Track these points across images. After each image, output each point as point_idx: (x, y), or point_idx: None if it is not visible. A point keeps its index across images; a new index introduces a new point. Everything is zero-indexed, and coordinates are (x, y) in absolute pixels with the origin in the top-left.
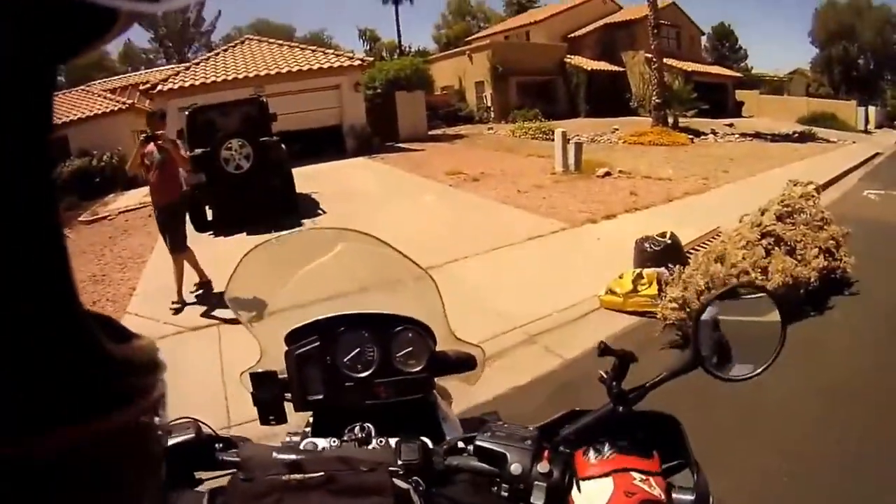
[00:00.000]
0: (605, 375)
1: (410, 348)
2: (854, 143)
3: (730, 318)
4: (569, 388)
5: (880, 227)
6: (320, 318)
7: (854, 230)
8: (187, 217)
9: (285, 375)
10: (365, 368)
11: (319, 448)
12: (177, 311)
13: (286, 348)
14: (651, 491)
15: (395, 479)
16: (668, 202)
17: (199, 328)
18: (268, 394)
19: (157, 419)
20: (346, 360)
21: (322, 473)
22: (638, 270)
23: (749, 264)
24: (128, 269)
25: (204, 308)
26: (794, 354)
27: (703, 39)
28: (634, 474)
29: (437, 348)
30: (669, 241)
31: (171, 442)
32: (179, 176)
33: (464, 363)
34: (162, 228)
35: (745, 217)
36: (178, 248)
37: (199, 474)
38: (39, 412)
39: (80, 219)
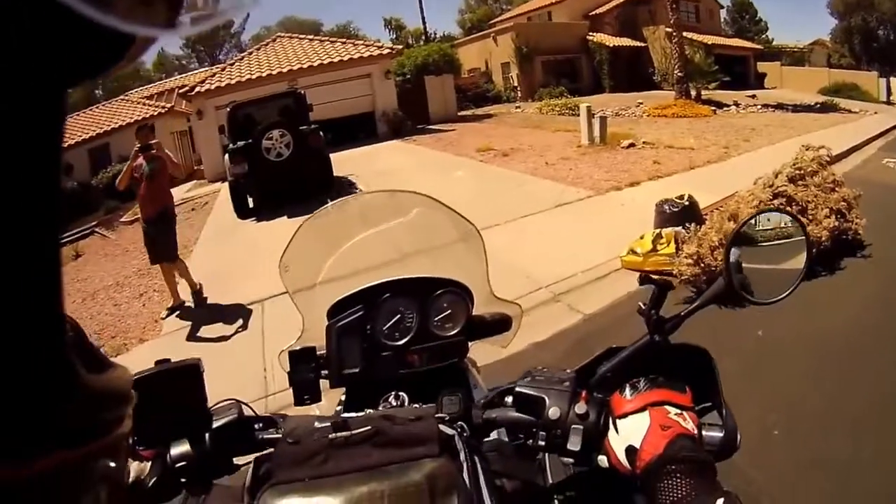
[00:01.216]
0: (643, 306)
1: (449, 311)
2: (876, 113)
3: (757, 248)
4: (586, 340)
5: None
6: (363, 287)
7: (871, 195)
8: (234, 202)
9: (324, 352)
10: (402, 336)
11: (360, 414)
12: (169, 314)
13: (327, 322)
14: (685, 425)
15: (440, 426)
16: (689, 170)
17: (242, 305)
18: (304, 372)
19: (121, 453)
20: (384, 328)
21: (368, 428)
22: (658, 231)
23: None
24: None
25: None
26: (803, 311)
27: (723, 13)
28: (669, 408)
29: (476, 309)
30: (687, 203)
31: (214, 425)
32: (169, 186)
33: (500, 324)
34: (150, 240)
35: (759, 179)
36: (169, 256)
37: (238, 460)
38: (10, 442)
39: (121, 220)
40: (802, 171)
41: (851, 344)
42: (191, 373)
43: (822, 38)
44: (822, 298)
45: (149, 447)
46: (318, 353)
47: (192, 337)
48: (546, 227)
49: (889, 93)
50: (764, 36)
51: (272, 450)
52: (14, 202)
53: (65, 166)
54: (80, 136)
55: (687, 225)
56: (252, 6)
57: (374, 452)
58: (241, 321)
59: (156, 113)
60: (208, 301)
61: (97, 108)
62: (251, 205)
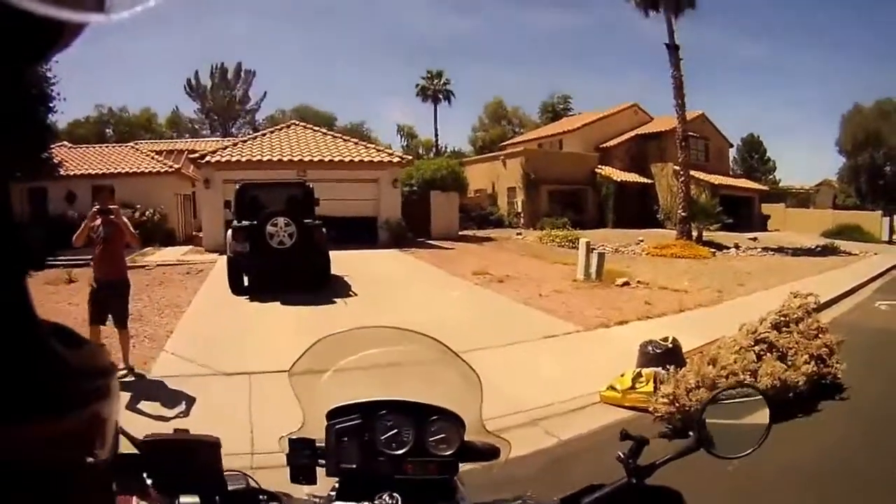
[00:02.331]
0: (622, 455)
1: (443, 435)
2: (876, 254)
3: (727, 405)
4: (560, 461)
5: (883, 335)
6: (364, 400)
7: (857, 339)
8: (230, 277)
9: (322, 445)
10: (399, 447)
11: None
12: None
13: (327, 423)
14: None
15: None
16: (679, 312)
17: (231, 374)
18: (302, 457)
19: (109, 421)
20: (382, 437)
21: None
22: (638, 370)
23: (739, 367)
24: (165, 315)
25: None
26: (774, 450)
27: (732, 151)
28: None
29: (468, 437)
30: (670, 346)
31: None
32: (123, 252)
33: (490, 453)
34: (97, 301)
35: (744, 326)
36: (121, 324)
37: None
38: None
39: None
40: (787, 318)
41: (818, 479)
42: (210, 447)
43: (829, 179)
44: (794, 439)
45: (159, 493)
46: (316, 444)
47: (133, 408)
48: (532, 356)
49: (892, 232)
50: (772, 176)
51: None
52: None
53: (68, 193)
54: (87, 169)
55: (667, 367)
56: None
57: None
58: (183, 406)
59: (163, 170)
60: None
61: (105, 147)
62: (246, 283)
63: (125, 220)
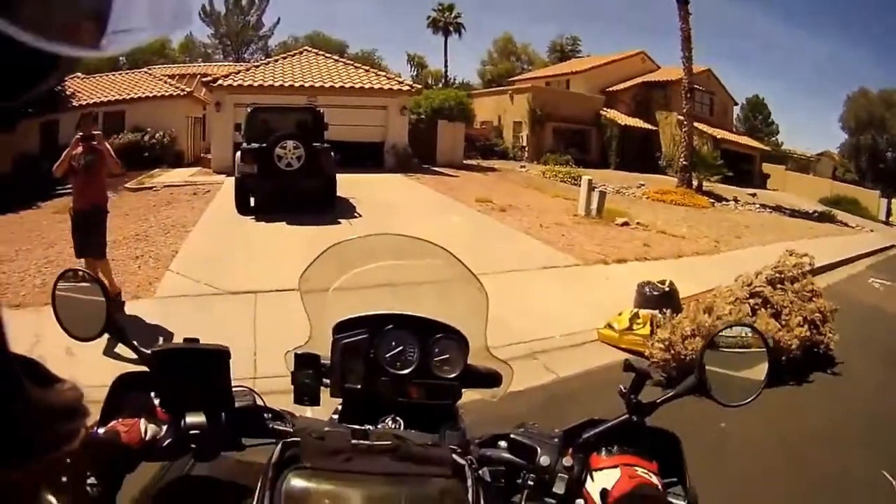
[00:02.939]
0: (623, 389)
1: (448, 355)
2: (872, 231)
3: (726, 348)
4: (558, 398)
5: (877, 314)
6: (370, 313)
7: (851, 312)
8: (237, 198)
9: (327, 361)
10: (404, 367)
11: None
12: None
13: (333, 337)
14: (651, 479)
15: (453, 455)
16: (677, 258)
17: (237, 293)
18: (306, 376)
19: (77, 464)
20: (387, 355)
21: (389, 442)
22: (636, 310)
23: (734, 318)
24: (170, 235)
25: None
26: (764, 413)
27: (736, 109)
28: (637, 469)
29: (471, 359)
30: (668, 289)
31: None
32: (105, 180)
33: (492, 379)
34: (81, 232)
35: (740, 277)
36: (97, 253)
37: (247, 441)
38: None
39: (125, 185)
40: (783, 276)
41: (803, 450)
42: (219, 357)
43: (830, 151)
44: (784, 406)
45: (166, 411)
46: (321, 361)
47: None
48: (531, 286)
49: (889, 213)
50: (774, 139)
51: (297, 438)
52: None
53: (94, 115)
54: (99, 98)
55: (664, 310)
56: (174, 28)
57: (393, 464)
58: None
59: (175, 94)
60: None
61: (118, 74)
62: (252, 204)
63: (108, 146)
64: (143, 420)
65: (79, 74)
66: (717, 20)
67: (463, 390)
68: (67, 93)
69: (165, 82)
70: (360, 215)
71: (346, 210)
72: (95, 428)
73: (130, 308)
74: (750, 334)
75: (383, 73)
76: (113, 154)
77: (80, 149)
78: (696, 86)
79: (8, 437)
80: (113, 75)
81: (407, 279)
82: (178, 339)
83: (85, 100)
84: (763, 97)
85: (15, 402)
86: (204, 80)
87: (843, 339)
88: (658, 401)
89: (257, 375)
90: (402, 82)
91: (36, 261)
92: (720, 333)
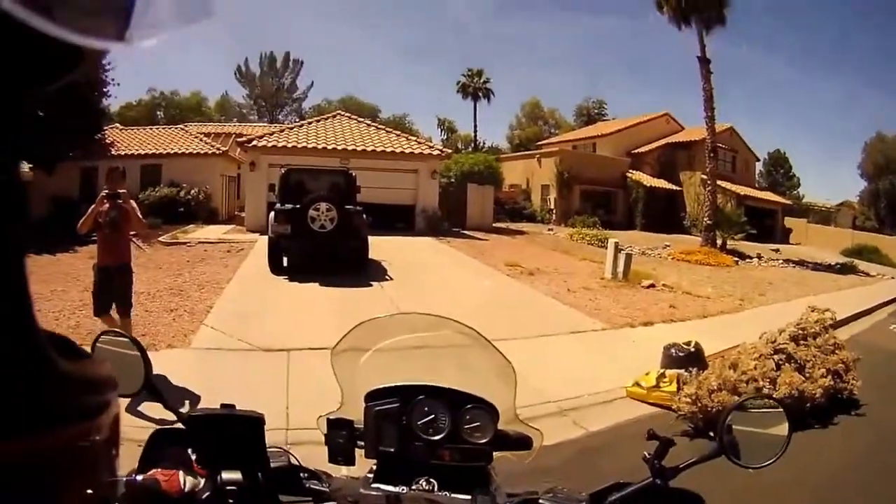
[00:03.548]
0: (647, 455)
1: (478, 423)
2: (893, 278)
3: (749, 414)
4: (587, 452)
5: None
6: (402, 383)
7: (873, 359)
8: (270, 257)
9: (360, 426)
10: (436, 433)
11: (405, 491)
12: None
13: (365, 404)
14: None
15: None
16: (702, 318)
17: (270, 350)
18: (340, 438)
19: (110, 436)
20: (419, 422)
21: None
22: (662, 370)
23: (759, 374)
24: (205, 290)
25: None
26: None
27: (758, 165)
28: None
29: (501, 426)
30: (693, 350)
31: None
32: (129, 239)
33: (522, 443)
34: (103, 290)
35: (764, 335)
36: (124, 312)
37: (283, 497)
38: None
39: (160, 239)
40: (805, 332)
41: (826, 488)
42: (254, 423)
43: (849, 200)
44: (808, 448)
45: (203, 467)
46: (354, 425)
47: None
48: (560, 350)
49: None
50: (795, 192)
51: (333, 501)
52: None
53: (121, 171)
54: (137, 150)
55: (690, 369)
56: (199, 19)
57: None
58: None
59: (211, 152)
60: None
61: (156, 128)
62: (285, 263)
63: (134, 205)
64: (181, 472)
65: (117, 125)
66: (736, 72)
67: (494, 453)
68: (107, 141)
69: (201, 140)
70: (392, 278)
71: (377, 272)
72: (134, 475)
73: (165, 357)
74: (769, 403)
75: (414, 138)
76: (139, 213)
77: (106, 206)
78: (718, 144)
79: (35, 407)
80: (151, 129)
81: (436, 352)
82: (208, 391)
83: (123, 150)
84: (784, 151)
85: (43, 373)
86: (239, 139)
87: (866, 384)
88: (681, 466)
89: (289, 427)
90: (432, 147)
91: (71, 302)
92: (746, 400)
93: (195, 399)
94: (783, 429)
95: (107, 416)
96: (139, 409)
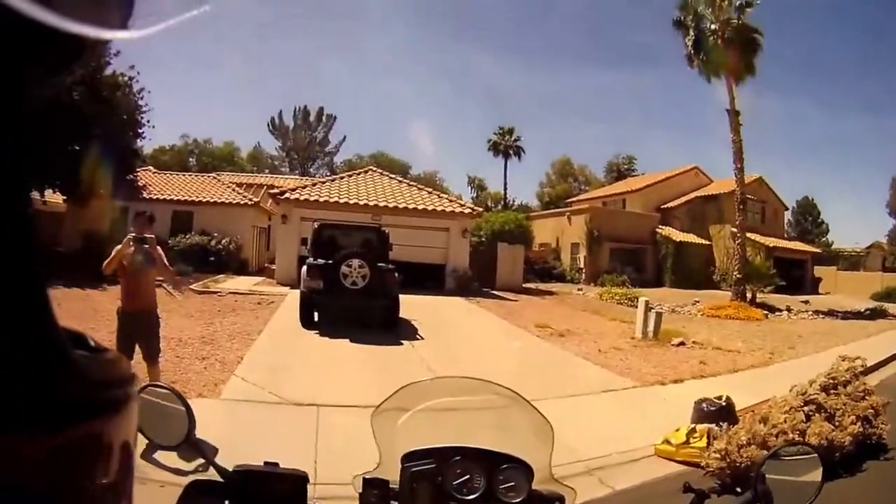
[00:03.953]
0: None
1: (513, 482)
2: None
3: (782, 462)
4: None
5: None
6: (438, 446)
7: None
8: (302, 312)
9: (395, 486)
10: (470, 493)
11: None
12: None
13: (402, 465)
14: None
15: None
16: (733, 372)
17: (300, 404)
18: (374, 497)
19: (127, 431)
20: (454, 483)
21: None
22: (693, 426)
23: (789, 426)
24: (236, 341)
25: None
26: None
27: (787, 213)
28: None
29: (536, 484)
30: (724, 404)
31: None
32: (154, 284)
33: (555, 502)
34: (126, 335)
35: (794, 387)
36: (151, 359)
37: None
38: (7, 420)
39: (192, 287)
40: (836, 381)
41: None
42: (297, 481)
43: (879, 241)
44: (838, 497)
45: None
46: (390, 485)
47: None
48: (590, 409)
49: None
50: (824, 238)
51: None
52: None
53: (149, 215)
54: (169, 195)
55: (720, 423)
56: (199, 8)
57: None
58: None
59: (243, 202)
60: None
61: (189, 175)
62: (316, 318)
63: (160, 251)
64: None
65: (150, 168)
66: (764, 121)
67: None
68: (140, 183)
69: (233, 189)
70: (422, 337)
71: (408, 331)
72: None
73: (195, 406)
74: (802, 450)
75: (446, 196)
76: (165, 259)
77: (131, 249)
78: (748, 196)
79: (53, 402)
80: (184, 175)
81: (474, 413)
82: (237, 443)
83: (156, 194)
84: (812, 198)
85: (61, 368)
86: (271, 191)
87: (893, 428)
88: None
89: (317, 482)
90: (463, 205)
91: (101, 342)
92: (780, 448)
93: (223, 451)
94: (816, 475)
95: (125, 411)
96: (154, 456)
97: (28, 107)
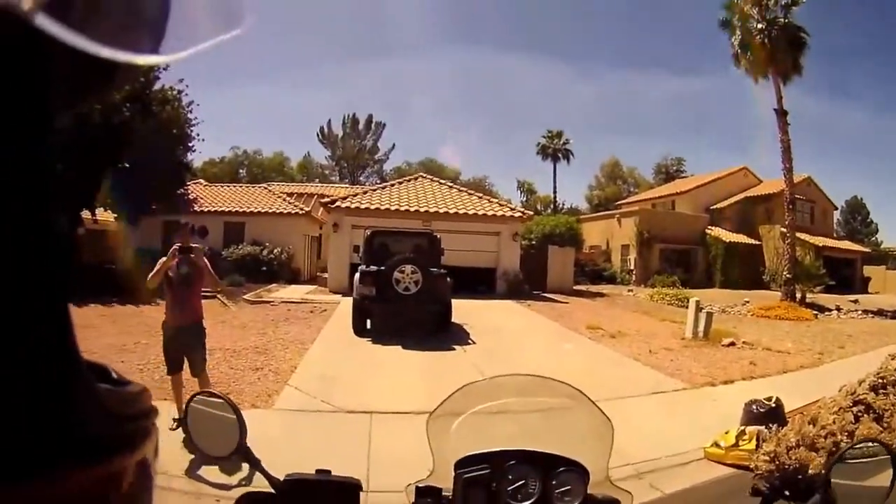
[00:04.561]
0: None
1: (568, 486)
2: None
3: (850, 464)
4: None
5: None
6: (492, 450)
7: None
8: (355, 319)
9: (448, 494)
10: (525, 499)
11: None
12: (178, 426)
13: (455, 472)
14: None
15: None
16: (783, 373)
17: (353, 412)
18: None
19: (149, 466)
20: (509, 489)
21: None
22: (742, 428)
23: (837, 427)
24: (289, 350)
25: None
26: None
27: (836, 213)
28: None
29: (591, 488)
30: (774, 405)
31: None
32: (200, 296)
33: None
34: (175, 348)
35: (843, 387)
36: (199, 370)
37: None
38: (32, 457)
39: (244, 297)
40: (885, 380)
41: None
42: (349, 489)
43: None
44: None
45: None
46: (443, 493)
47: (193, 474)
48: (641, 411)
49: None
50: (874, 238)
51: None
52: (12, 235)
53: (200, 229)
54: (220, 207)
55: (770, 425)
56: (232, 31)
57: None
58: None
59: (294, 212)
60: None
61: (239, 186)
62: (369, 325)
63: (206, 261)
64: None
65: (201, 181)
66: (812, 121)
67: None
68: (190, 197)
69: (284, 199)
70: (474, 342)
71: (459, 336)
72: None
73: (249, 416)
74: (872, 447)
75: (496, 200)
76: (211, 269)
77: (176, 260)
78: (797, 196)
79: (77, 438)
80: (234, 187)
81: (530, 414)
82: (291, 453)
83: (207, 206)
84: (861, 197)
85: (84, 402)
86: (322, 200)
87: None
88: None
89: (369, 489)
90: (514, 209)
91: (156, 356)
92: (848, 450)
93: (276, 462)
94: (885, 477)
95: (147, 445)
96: (198, 473)
97: (54, 127)
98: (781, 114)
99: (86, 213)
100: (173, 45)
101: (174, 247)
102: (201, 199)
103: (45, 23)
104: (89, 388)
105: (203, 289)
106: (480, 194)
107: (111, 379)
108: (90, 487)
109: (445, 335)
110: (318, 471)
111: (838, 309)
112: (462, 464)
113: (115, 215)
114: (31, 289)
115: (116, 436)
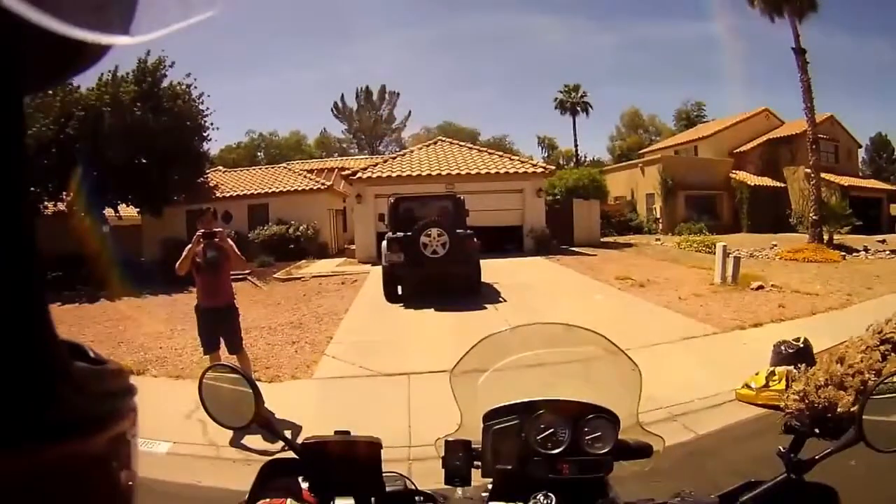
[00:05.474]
0: (782, 449)
1: (599, 433)
2: None
3: (886, 398)
4: (696, 453)
5: None
6: (520, 401)
7: None
8: (385, 286)
9: (478, 446)
10: (555, 447)
11: None
12: None
13: (483, 424)
14: None
15: None
16: (811, 315)
17: (391, 374)
18: (457, 459)
19: (129, 443)
20: (538, 437)
21: None
22: (772, 368)
23: (865, 366)
24: (323, 322)
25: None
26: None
27: (861, 151)
28: None
29: (622, 433)
30: (802, 346)
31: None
32: (230, 278)
33: (643, 451)
34: (209, 330)
35: (870, 326)
36: (236, 349)
37: None
38: (7, 430)
39: (275, 276)
40: None
41: None
42: (370, 448)
43: None
44: None
45: (314, 495)
46: (472, 445)
47: (237, 443)
48: (672, 357)
49: None
50: None
51: None
52: None
53: (224, 214)
54: (242, 191)
55: (798, 365)
56: (204, 12)
57: None
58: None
59: (315, 188)
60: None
61: (259, 169)
62: (400, 291)
63: (231, 242)
64: (290, 500)
65: (220, 168)
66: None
67: (614, 462)
68: (211, 184)
69: (305, 176)
70: (505, 299)
71: (490, 295)
72: None
73: (289, 388)
74: None
75: (517, 157)
76: (236, 250)
77: (201, 245)
78: (820, 135)
79: (54, 416)
80: (254, 170)
81: (557, 363)
82: (331, 418)
83: (229, 192)
84: (886, 134)
85: (60, 381)
86: (343, 173)
87: None
88: (818, 457)
89: (412, 444)
90: (535, 165)
91: (192, 340)
92: (879, 385)
93: (316, 428)
94: None
95: (123, 423)
96: (243, 441)
97: (25, 115)
98: (800, 52)
99: (108, 211)
100: (145, 25)
101: (198, 233)
102: (222, 184)
103: (11, 2)
104: (64, 366)
105: (231, 271)
106: (501, 153)
107: (88, 357)
108: (64, 463)
109: (476, 295)
110: (336, 432)
111: (866, 249)
112: (490, 416)
113: (139, 209)
114: (2, 268)
115: (91, 413)
